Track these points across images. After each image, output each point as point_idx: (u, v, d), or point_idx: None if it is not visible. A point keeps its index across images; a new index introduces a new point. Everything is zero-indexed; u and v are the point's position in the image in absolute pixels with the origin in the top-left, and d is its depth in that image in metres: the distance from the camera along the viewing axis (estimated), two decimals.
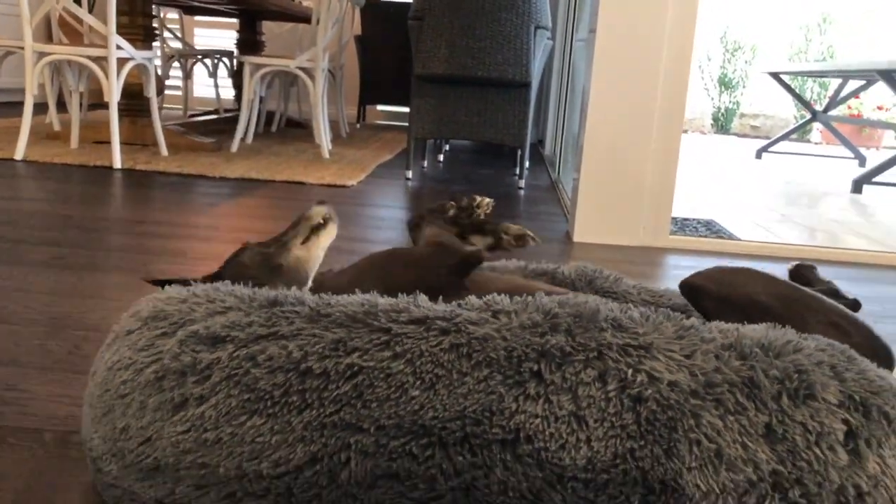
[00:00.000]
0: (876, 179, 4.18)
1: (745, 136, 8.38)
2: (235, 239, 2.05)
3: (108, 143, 3.11)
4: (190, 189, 2.76)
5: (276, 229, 2.20)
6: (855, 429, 0.61)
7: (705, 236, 2.59)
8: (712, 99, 8.55)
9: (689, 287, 0.90)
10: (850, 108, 7.58)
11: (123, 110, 3.50)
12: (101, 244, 1.90)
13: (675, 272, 2.06)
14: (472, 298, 0.70)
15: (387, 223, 2.48)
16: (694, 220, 3.00)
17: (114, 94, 3.04)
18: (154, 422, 0.66)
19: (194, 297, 0.74)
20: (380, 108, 6.41)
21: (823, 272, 2.24)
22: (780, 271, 1.95)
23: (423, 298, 0.69)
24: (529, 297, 0.69)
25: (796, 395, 0.61)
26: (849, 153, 5.87)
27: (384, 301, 0.68)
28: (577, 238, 2.32)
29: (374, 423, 0.61)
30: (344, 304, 0.68)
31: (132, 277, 1.62)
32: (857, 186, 4.15)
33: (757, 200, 3.64)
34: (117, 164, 3.03)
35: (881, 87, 4.69)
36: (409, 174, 3.34)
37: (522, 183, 3.37)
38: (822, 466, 0.59)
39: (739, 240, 2.52)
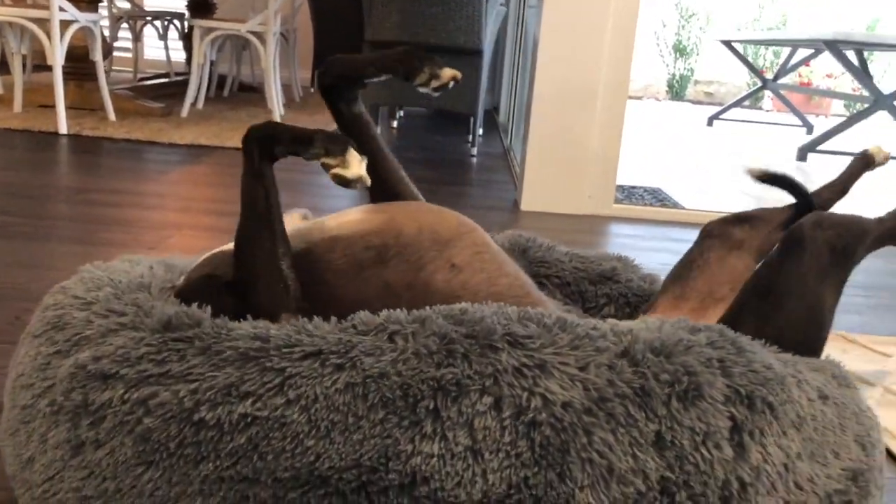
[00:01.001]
0: (821, 148, 4.29)
1: (699, 102, 8.49)
2: (184, 207, 2.05)
3: (54, 106, 3.05)
4: (138, 156, 2.73)
5: (224, 198, 2.20)
6: (740, 423, 0.64)
7: (650, 205, 2.65)
8: (667, 66, 8.62)
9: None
10: (800, 75, 7.71)
11: (69, 74, 3.43)
12: (44, 213, 1.88)
13: (617, 240, 2.11)
14: (366, 318, 0.68)
15: (337, 191, 2.48)
16: (641, 188, 3.06)
17: (57, 58, 2.98)
18: (55, 461, 0.66)
19: (97, 302, 0.75)
20: None
21: None
22: None
23: (315, 324, 0.68)
24: (428, 314, 0.68)
25: (685, 397, 0.64)
26: (798, 121, 5.99)
27: (276, 332, 0.66)
28: (524, 207, 2.36)
29: (270, 476, 0.61)
30: (237, 337, 0.66)
31: (76, 247, 1.62)
32: (802, 154, 4.25)
33: (705, 168, 3.72)
34: (63, 129, 2.98)
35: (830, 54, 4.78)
36: None
37: (475, 150, 3.40)
38: (707, 466, 0.62)
39: (683, 208, 2.58)
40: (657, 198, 2.90)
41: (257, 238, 0.75)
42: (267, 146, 0.77)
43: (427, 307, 0.70)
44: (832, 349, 1.39)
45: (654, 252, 1.96)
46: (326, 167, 0.74)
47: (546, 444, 0.61)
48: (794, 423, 0.67)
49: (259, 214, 0.76)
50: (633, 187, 3.07)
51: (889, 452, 1.05)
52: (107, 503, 0.64)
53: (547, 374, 0.64)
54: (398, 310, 0.69)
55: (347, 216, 0.83)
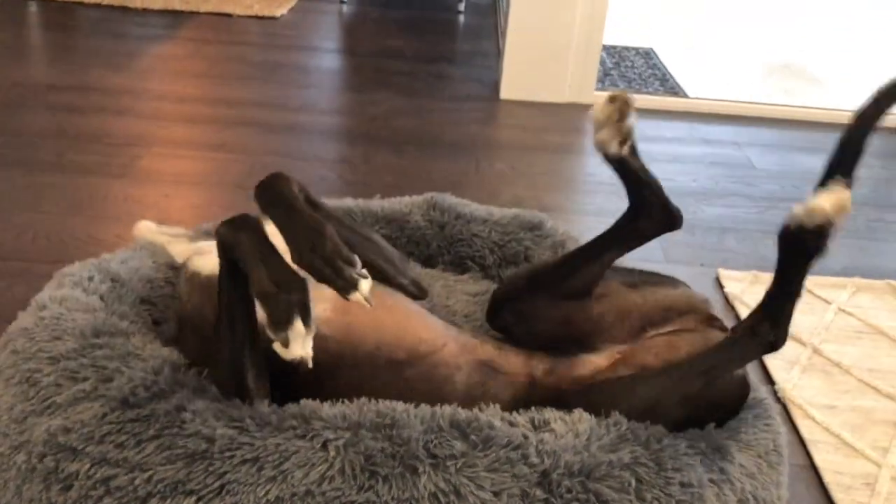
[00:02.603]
0: None
1: None
2: (154, 112, 2.01)
3: None
4: (109, 30, 2.63)
5: (196, 95, 2.12)
6: None
7: (639, 75, 2.58)
8: None
9: None
10: None
11: None
12: (12, 124, 1.86)
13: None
14: (307, 412, 0.73)
15: (311, 78, 2.41)
16: (632, 49, 2.95)
17: None
18: None
19: (62, 359, 0.80)
20: None
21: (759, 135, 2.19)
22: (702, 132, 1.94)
23: (262, 416, 0.73)
24: (360, 420, 0.73)
25: None
26: None
27: (222, 431, 0.72)
28: (504, 94, 2.29)
29: None
30: (188, 433, 0.72)
31: (45, 176, 1.61)
32: None
33: (703, 23, 3.54)
34: None
35: None
36: None
37: (462, 6, 3.23)
38: None
39: (671, 82, 2.51)
40: (648, 62, 2.81)
41: (224, 349, 0.76)
42: (231, 252, 0.72)
43: (363, 402, 0.76)
44: None
45: None
46: (267, 334, 0.67)
47: None
48: None
49: (230, 332, 0.75)
50: (626, 48, 2.96)
51: (796, 432, 1.09)
52: None
53: (461, 500, 0.69)
54: (340, 405, 0.75)
55: (317, 302, 0.78)
